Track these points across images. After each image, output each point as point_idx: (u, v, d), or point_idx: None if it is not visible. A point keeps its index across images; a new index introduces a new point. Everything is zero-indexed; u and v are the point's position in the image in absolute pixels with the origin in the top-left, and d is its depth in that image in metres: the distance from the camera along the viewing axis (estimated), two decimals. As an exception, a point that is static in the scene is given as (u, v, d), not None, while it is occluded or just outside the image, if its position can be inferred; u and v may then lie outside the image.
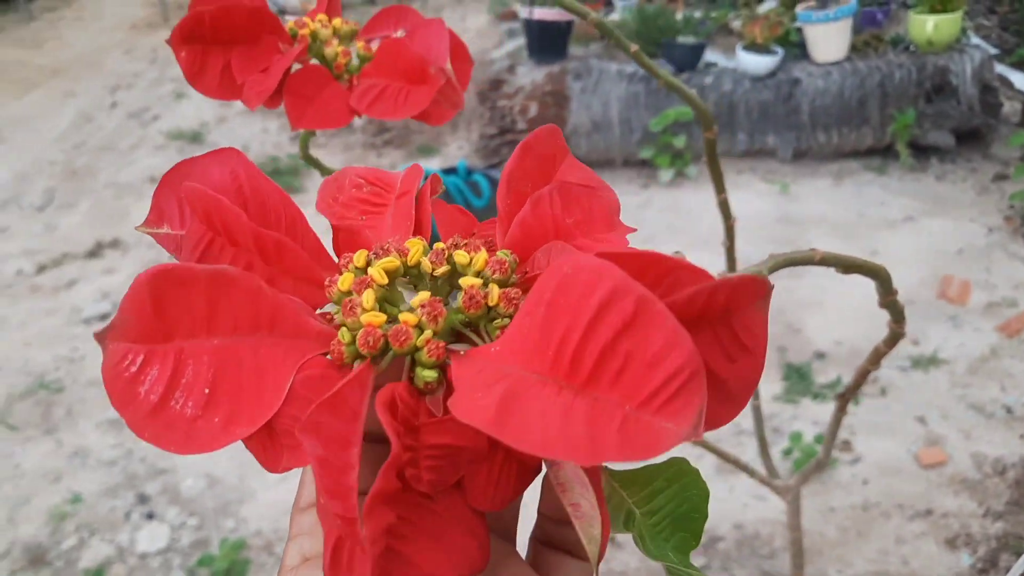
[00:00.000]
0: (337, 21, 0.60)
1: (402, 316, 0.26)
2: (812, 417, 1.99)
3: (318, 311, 0.29)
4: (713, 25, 3.27)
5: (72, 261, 2.83)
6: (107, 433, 2.07)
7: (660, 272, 0.24)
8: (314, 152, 0.71)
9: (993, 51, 3.12)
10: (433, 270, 0.28)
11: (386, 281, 0.27)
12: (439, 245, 0.29)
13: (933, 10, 2.88)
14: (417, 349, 0.26)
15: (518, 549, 0.31)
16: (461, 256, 0.28)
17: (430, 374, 0.26)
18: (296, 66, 0.57)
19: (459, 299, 0.27)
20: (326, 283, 0.28)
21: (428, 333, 0.26)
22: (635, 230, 0.30)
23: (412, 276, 0.29)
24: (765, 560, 1.67)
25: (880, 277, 0.48)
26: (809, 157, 3.11)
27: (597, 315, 0.21)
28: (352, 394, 0.23)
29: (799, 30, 3.02)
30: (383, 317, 0.26)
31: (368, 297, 0.26)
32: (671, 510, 0.31)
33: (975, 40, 3.10)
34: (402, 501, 0.25)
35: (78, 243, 2.92)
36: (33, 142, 3.71)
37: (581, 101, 3.03)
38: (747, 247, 2.57)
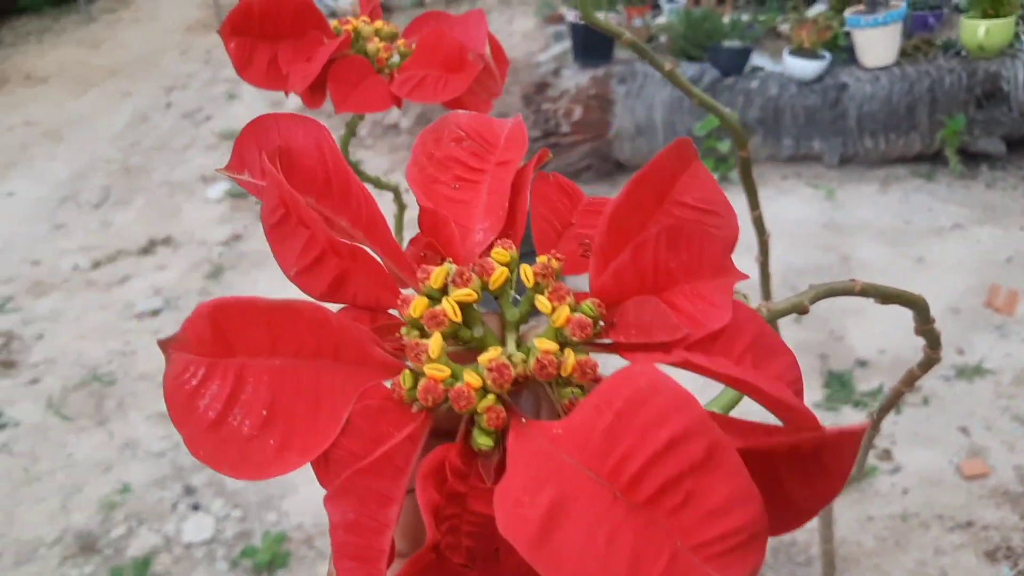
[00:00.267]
0: (379, 23, 0.62)
1: (467, 376, 0.25)
2: (852, 425, 1.97)
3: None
4: (761, 29, 3.25)
5: (126, 257, 2.91)
6: (156, 425, 2.13)
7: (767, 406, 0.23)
8: (361, 152, 0.74)
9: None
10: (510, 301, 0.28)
11: (459, 319, 0.26)
12: (526, 273, 0.28)
13: (985, 15, 2.83)
14: (477, 412, 0.25)
15: None
16: (543, 303, 0.27)
17: (486, 441, 0.25)
18: (342, 57, 0.59)
19: (531, 358, 0.26)
20: (399, 301, 0.28)
21: (491, 399, 0.25)
22: (747, 277, 0.28)
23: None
24: (801, 568, 1.66)
25: (918, 307, 0.48)
26: (856, 163, 3.07)
27: (666, 448, 0.20)
28: (399, 453, 0.23)
29: (847, 34, 2.99)
30: (447, 372, 0.25)
31: (435, 345, 0.25)
32: None
33: (1029, 45, 3.04)
34: (434, 571, 0.24)
35: (132, 240, 3.00)
36: (91, 141, 3.82)
37: (625, 105, 3.03)
38: (791, 253, 2.56)
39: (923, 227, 2.72)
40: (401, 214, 0.78)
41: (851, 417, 2.00)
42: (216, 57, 4.61)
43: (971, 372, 2.09)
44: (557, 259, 0.28)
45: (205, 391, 0.24)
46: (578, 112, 3.05)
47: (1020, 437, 1.90)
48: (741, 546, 0.19)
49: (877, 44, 2.92)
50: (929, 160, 3.05)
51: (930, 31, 3.13)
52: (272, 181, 0.27)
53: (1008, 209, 2.77)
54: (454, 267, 0.28)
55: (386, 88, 0.58)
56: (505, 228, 0.30)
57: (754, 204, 0.76)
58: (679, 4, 3.43)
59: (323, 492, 0.24)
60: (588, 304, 0.27)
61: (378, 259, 0.29)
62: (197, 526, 1.84)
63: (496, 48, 0.61)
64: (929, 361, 0.56)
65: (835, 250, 2.62)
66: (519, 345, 0.28)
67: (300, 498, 1.87)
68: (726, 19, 3.17)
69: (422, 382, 0.25)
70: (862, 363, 2.17)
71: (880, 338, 2.22)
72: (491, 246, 0.29)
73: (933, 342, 0.54)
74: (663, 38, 3.30)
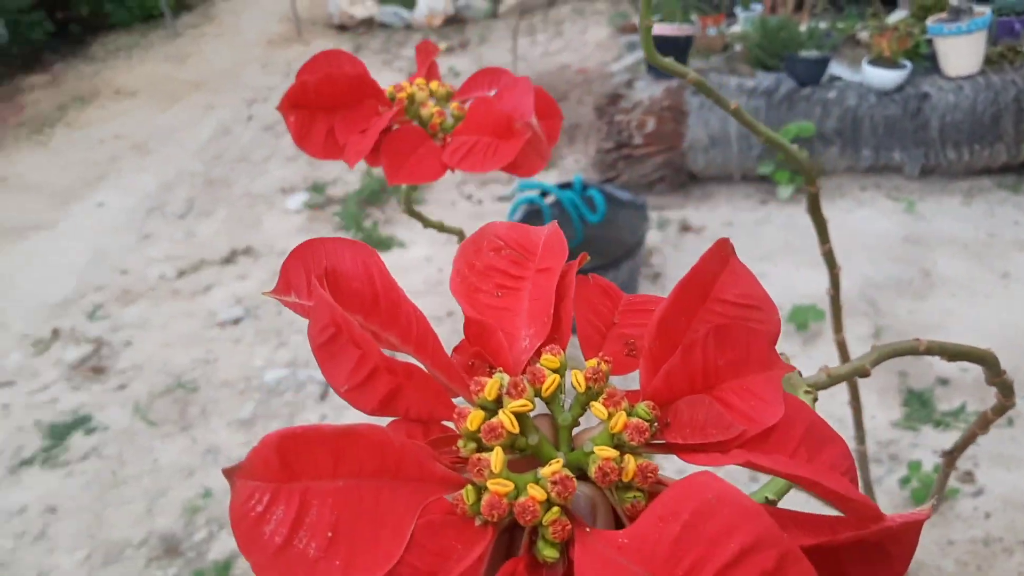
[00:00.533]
0: (434, 84, 0.64)
1: (531, 489, 0.25)
2: (933, 445, 1.92)
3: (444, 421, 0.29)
4: (839, 37, 3.19)
5: (209, 267, 3.00)
6: (236, 432, 2.20)
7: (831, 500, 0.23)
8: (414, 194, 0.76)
9: None
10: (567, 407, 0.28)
11: (517, 430, 0.27)
12: (577, 379, 0.28)
13: (1077, 21, 2.74)
14: (542, 524, 0.25)
15: None
16: (598, 410, 0.28)
17: (552, 553, 0.25)
18: (396, 127, 0.61)
19: (591, 465, 0.26)
20: (455, 414, 0.28)
21: (555, 511, 0.25)
22: (793, 369, 0.28)
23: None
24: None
25: (987, 363, 0.47)
26: (938, 174, 3.00)
27: (736, 559, 0.20)
28: (469, 571, 0.23)
29: (929, 42, 2.92)
30: (510, 486, 0.25)
31: (497, 460, 0.26)
32: None
33: (1124, 51, 2.92)
34: None
35: (214, 250, 3.10)
36: (176, 153, 3.95)
37: (699, 116, 3.01)
38: (869, 267, 2.51)
39: (1009, 241, 2.64)
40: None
41: (932, 437, 1.95)
42: (295, 69, 4.70)
43: (1059, 392, 2.02)
44: (606, 362, 0.29)
45: (271, 516, 0.24)
46: (651, 124, 3.04)
47: (1112, 461, 1.83)
48: None
49: (961, 53, 2.84)
50: (1015, 171, 2.96)
51: (1016, 38, 3.03)
52: (320, 301, 0.28)
53: (1100, 222, 2.67)
54: (506, 377, 0.28)
55: (438, 157, 0.60)
56: (551, 333, 0.30)
57: (824, 238, 0.76)
58: (755, 12, 3.39)
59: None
60: (643, 407, 0.27)
61: (428, 372, 0.29)
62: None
63: (550, 106, 0.63)
64: (1002, 408, 0.56)
65: (915, 264, 2.56)
66: (572, 449, 0.28)
67: None
68: (803, 27, 3.11)
69: (486, 497, 0.25)
70: (943, 381, 2.12)
71: (962, 356, 2.16)
72: (538, 352, 0.30)
73: (1006, 392, 0.53)
74: (738, 47, 3.26)
